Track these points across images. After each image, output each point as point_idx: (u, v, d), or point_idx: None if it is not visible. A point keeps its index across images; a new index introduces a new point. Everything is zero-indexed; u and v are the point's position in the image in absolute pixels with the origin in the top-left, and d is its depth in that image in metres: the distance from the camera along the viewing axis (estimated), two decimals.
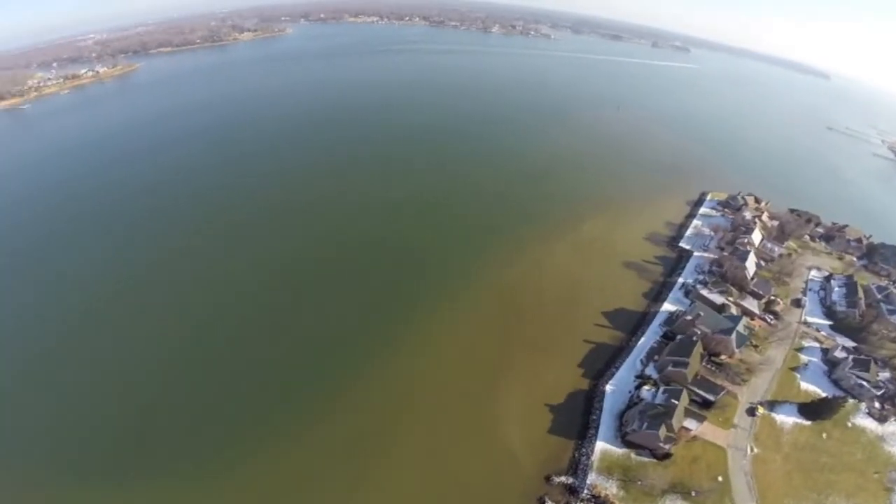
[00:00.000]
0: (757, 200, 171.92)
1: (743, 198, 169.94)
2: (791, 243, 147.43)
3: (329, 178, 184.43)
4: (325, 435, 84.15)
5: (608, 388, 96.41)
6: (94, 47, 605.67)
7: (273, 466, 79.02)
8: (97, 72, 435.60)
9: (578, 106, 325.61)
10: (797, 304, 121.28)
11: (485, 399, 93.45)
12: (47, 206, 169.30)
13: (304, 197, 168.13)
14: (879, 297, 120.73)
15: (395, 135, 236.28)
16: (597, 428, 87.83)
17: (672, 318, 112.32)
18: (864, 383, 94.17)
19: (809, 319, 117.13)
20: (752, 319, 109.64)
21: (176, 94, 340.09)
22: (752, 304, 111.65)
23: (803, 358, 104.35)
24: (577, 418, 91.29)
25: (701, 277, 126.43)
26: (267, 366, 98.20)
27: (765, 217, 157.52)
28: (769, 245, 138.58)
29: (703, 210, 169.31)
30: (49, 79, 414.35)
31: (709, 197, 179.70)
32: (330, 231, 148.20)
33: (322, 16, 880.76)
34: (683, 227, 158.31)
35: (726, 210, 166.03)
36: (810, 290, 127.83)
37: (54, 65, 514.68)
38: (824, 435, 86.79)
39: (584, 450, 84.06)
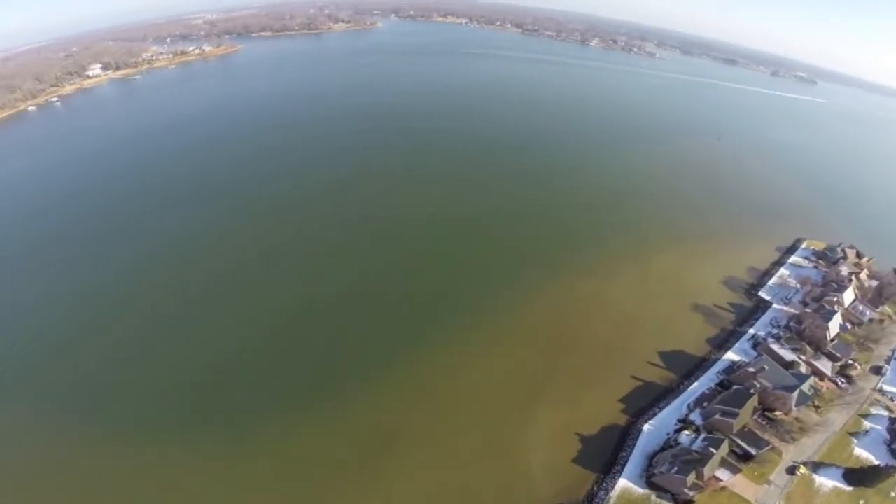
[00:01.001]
0: (859, 255, 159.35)
1: (843, 250, 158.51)
2: (887, 308, 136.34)
3: (391, 186, 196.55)
4: (354, 427, 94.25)
5: (646, 427, 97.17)
6: (203, 26, 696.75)
7: (305, 445, 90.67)
8: (203, 50, 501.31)
9: (674, 131, 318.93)
10: (877, 371, 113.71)
11: (514, 418, 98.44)
12: (165, 173, 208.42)
13: (364, 200, 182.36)
14: None
15: (466, 146, 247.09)
16: (623, 465, 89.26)
17: (733, 367, 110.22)
18: None
19: (886, 388, 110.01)
20: (822, 380, 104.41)
21: (265, 80, 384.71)
22: (825, 366, 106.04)
23: (866, 424, 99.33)
24: (606, 453, 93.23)
25: (775, 331, 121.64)
26: (316, 359, 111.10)
27: (863, 275, 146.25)
28: (861, 307, 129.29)
29: (793, 259, 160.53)
30: (161, 53, 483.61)
31: (804, 245, 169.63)
32: (392, 238, 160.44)
33: (411, 13, 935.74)
34: (767, 275, 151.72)
35: (821, 262, 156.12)
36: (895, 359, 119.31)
37: (167, 40, 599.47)
38: (861, 502, 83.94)
39: (604, 484, 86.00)
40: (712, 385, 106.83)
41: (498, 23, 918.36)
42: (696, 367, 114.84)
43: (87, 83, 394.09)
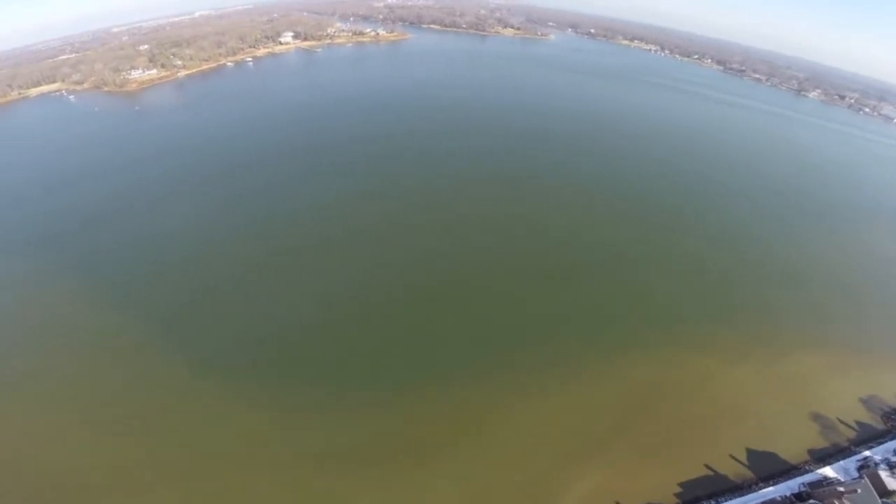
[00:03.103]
0: None
1: None
2: None
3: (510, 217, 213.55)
4: (398, 428, 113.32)
5: None
6: (382, 10, 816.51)
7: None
8: (378, 33, 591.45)
9: (884, 214, 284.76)
10: None
11: (559, 470, 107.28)
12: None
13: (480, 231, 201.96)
14: None
15: (617, 189, 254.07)
16: None
17: (822, 482, 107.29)
18: None
19: None
20: None
21: (425, 72, 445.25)
22: None
23: None
24: None
25: (893, 459, 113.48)
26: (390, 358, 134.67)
27: None
28: None
29: None
30: (343, 30, 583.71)
31: None
32: (504, 265, 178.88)
33: (592, 31, 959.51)
34: None
35: None
36: None
37: (351, 18, 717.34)
38: None
39: None
40: (787, 494, 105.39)
41: (696, 56, 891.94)
42: (782, 472, 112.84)
43: (277, 48, 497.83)
